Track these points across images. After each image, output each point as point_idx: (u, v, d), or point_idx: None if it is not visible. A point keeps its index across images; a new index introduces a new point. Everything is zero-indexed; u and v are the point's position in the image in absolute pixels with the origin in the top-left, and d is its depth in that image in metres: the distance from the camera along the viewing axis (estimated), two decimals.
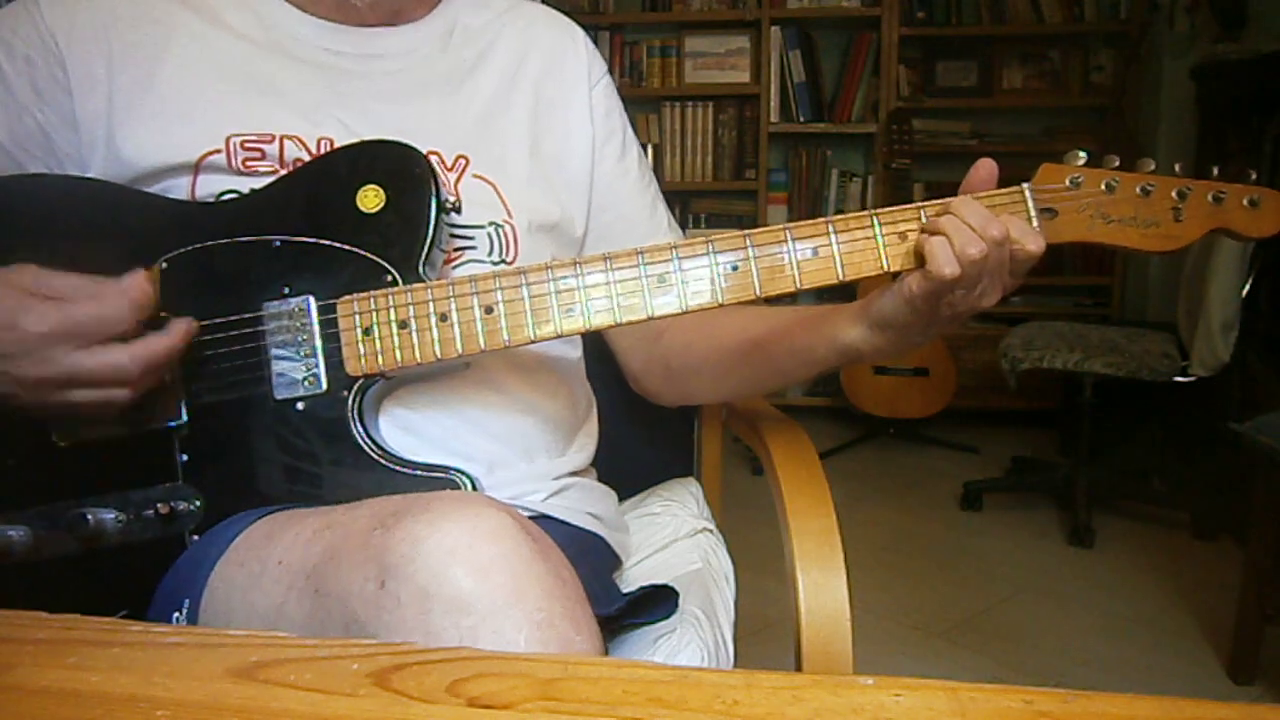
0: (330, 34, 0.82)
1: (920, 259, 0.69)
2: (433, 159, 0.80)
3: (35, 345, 0.64)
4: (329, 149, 0.78)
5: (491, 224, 0.82)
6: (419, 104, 0.84)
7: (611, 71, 0.97)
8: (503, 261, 0.82)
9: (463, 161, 0.83)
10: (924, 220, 0.71)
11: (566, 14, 0.98)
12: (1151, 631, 2.01)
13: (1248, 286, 2.12)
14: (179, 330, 0.69)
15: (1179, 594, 2.16)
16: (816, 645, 0.74)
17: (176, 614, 0.65)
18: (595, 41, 0.98)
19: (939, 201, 0.71)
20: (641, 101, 3.53)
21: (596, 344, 0.99)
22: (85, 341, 0.65)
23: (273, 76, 0.80)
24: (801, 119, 3.46)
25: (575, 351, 0.93)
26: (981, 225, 0.67)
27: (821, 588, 0.75)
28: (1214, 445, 2.43)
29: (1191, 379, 2.27)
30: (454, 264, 0.81)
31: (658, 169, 3.50)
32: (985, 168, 0.72)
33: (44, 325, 0.64)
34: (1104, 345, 2.38)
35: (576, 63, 0.94)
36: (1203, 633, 1.99)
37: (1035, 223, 0.71)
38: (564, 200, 0.90)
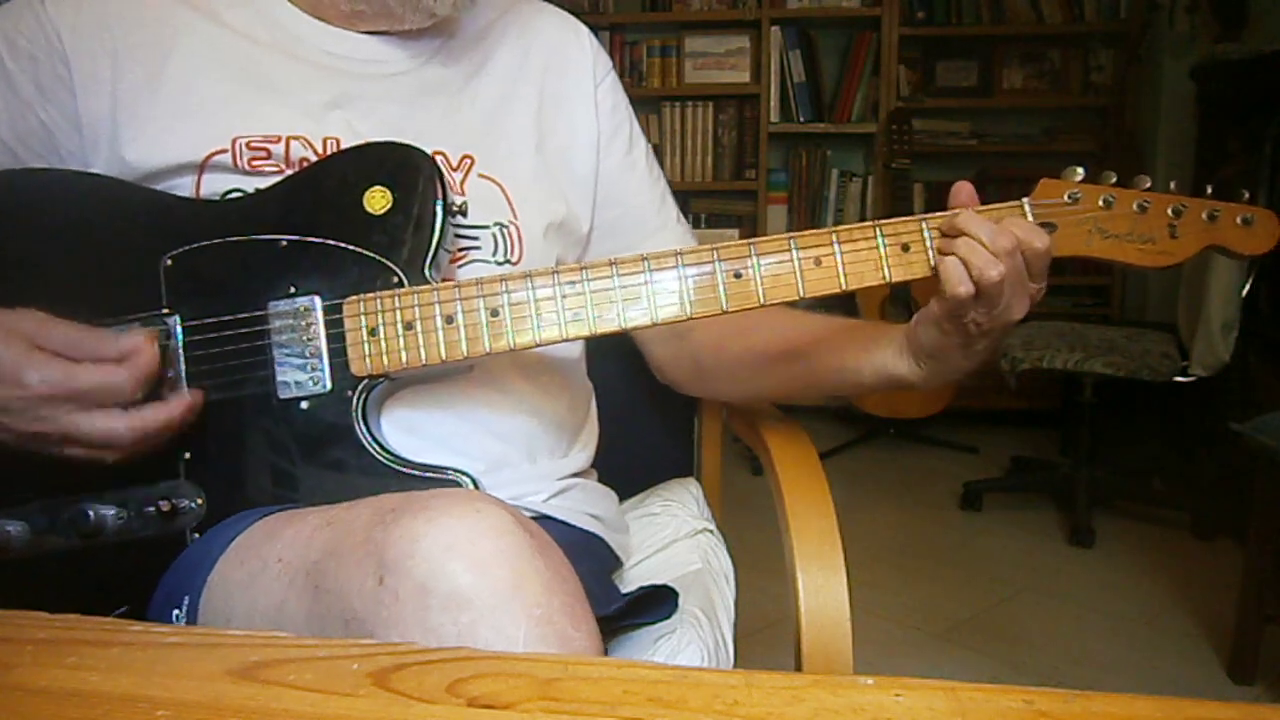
0: (333, 38, 0.82)
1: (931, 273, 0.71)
2: (438, 159, 0.80)
3: (36, 404, 0.65)
4: (335, 149, 0.78)
5: (496, 224, 0.82)
6: (424, 104, 0.84)
7: None
8: (507, 262, 0.82)
9: (468, 161, 0.83)
10: (925, 230, 0.72)
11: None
12: (1151, 631, 2.01)
13: (1248, 287, 2.12)
14: (179, 405, 0.70)
15: (1179, 594, 2.16)
16: (816, 645, 0.74)
17: (176, 611, 0.65)
18: None
19: (941, 214, 0.72)
20: (641, 101, 3.52)
21: (599, 340, 0.99)
22: (86, 405, 0.66)
23: (277, 76, 0.80)
24: (801, 119, 3.46)
25: (577, 350, 0.93)
26: (992, 240, 0.68)
27: (821, 588, 0.75)
28: (1214, 445, 2.43)
29: (1191, 379, 2.27)
30: (459, 264, 0.81)
31: None
32: (965, 191, 0.72)
33: (47, 386, 0.64)
34: (1104, 345, 2.38)
35: (581, 59, 0.93)
36: (1203, 633, 1.98)
37: None
38: (570, 198, 0.90)
